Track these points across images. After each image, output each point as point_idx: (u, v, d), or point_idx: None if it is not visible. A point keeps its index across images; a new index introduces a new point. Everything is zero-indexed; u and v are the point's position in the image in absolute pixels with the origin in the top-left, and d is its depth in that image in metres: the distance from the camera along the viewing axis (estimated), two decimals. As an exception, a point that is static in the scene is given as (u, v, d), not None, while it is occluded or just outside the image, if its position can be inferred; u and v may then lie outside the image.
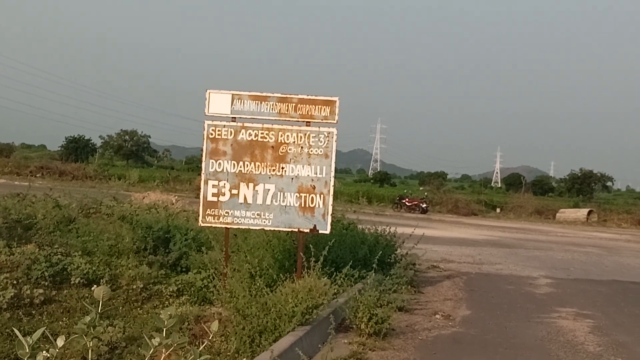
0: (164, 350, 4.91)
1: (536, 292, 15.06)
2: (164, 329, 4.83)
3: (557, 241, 32.46)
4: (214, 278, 10.85)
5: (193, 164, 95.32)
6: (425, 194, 61.05)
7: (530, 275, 17.73)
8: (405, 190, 66.97)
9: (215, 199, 10.98)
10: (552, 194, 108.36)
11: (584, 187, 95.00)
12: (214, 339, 8.58)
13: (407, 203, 53.79)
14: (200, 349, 5.27)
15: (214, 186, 10.98)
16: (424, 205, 53.25)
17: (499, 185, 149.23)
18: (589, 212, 58.31)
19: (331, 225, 11.40)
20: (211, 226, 11.47)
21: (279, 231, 11.63)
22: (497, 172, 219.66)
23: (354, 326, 9.57)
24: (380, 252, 12.55)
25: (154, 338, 4.80)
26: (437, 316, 11.42)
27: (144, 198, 25.29)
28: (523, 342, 9.95)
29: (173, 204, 23.58)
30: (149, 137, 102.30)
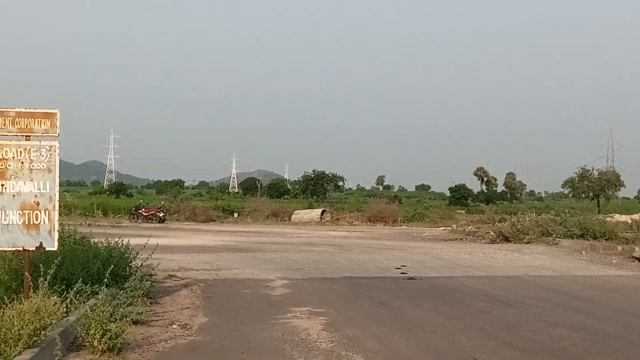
0: None
1: (272, 294, 15.38)
2: None
3: (293, 242, 33.41)
4: None
5: None
6: (162, 202, 60.86)
7: (266, 277, 18.09)
8: (141, 200, 66.23)
9: None
10: (287, 196, 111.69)
11: (318, 187, 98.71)
12: None
13: (143, 213, 53.31)
14: None
15: None
16: (161, 215, 53.04)
17: (237, 191, 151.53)
18: (323, 212, 60.72)
19: (61, 241, 11.03)
20: None
21: (4, 251, 11.08)
22: (233, 177, 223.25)
23: (87, 344, 9.27)
24: (113, 265, 12.27)
25: None
26: (174, 326, 11.33)
27: None
28: (259, 344, 10.11)
29: None
30: None
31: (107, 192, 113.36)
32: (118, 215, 56.11)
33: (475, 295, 15.40)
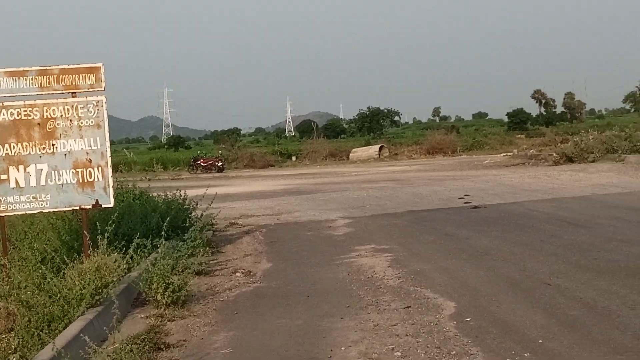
0: None
1: (335, 234, 15.16)
2: None
3: (353, 180, 33.14)
4: (-4, 271, 10.05)
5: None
6: (220, 152, 61.02)
7: (328, 218, 17.87)
8: (199, 152, 66.54)
9: (-17, 187, 10.14)
10: (344, 136, 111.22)
11: (374, 124, 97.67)
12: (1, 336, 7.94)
13: (202, 164, 53.55)
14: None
15: (-21, 174, 10.12)
16: (220, 164, 53.21)
17: (293, 134, 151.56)
18: (380, 148, 60.23)
19: (120, 197, 10.91)
20: (-17, 217, 10.64)
21: (62, 212, 11.01)
22: (289, 121, 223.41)
23: (151, 298, 9.15)
24: (171, 217, 12.13)
25: None
26: (238, 274, 11.20)
27: None
28: (325, 287, 9.90)
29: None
30: None
31: (166, 146, 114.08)
32: (177, 168, 56.39)
33: (544, 219, 14.98)
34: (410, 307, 8.34)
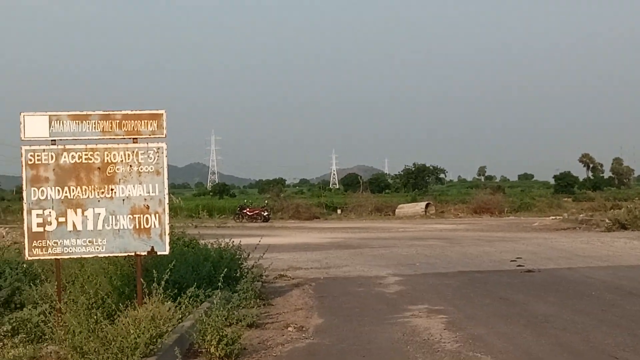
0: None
1: (386, 291, 14.90)
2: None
3: (400, 237, 32.84)
4: (49, 314, 9.96)
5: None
6: (266, 201, 61.08)
7: (378, 274, 17.62)
8: (245, 200, 66.73)
9: (41, 229, 10.07)
10: (389, 191, 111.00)
11: (419, 181, 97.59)
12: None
13: (248, 213, 53.62)
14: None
15: (38, 215, 10.07)
16: (266, 214, 53.21)
17: (337, 187, 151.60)
18: (427, 205, 59.80)
19: (171, 244, 10.79)
20: (40, 259, 10.60)
21: (115, 257, 10.91)
22: (334, 174, 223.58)
23: (204, 350, 8.96)
24: (226, 267, 12.00)
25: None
26: (290, 329, 10.97)
27: (-30, 234, 23.63)
28: (379, 346, 9.65)
29: (3, 237, 22.23)
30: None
31: (211, 193, 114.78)
32: (223, 216, 56.48)
33: (602, 287, 14.57)
34: (471, 373, 8.05)
